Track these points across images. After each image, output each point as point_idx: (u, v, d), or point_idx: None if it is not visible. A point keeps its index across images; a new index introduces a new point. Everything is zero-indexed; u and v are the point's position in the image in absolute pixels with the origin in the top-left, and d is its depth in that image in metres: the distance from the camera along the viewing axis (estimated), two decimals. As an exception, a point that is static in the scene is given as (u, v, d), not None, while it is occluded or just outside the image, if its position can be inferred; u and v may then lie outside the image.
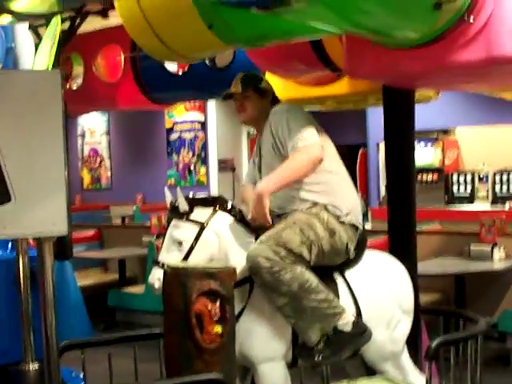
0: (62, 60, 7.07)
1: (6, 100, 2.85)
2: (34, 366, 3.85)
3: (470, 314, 4.25)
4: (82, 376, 4.07)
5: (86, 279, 8.54)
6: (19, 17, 2.90)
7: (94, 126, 14.45)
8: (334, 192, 3.82)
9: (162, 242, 3.68)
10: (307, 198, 3.80)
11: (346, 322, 3.65)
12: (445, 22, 3.54)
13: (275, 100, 4.10)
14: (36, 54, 3.67)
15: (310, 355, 3.63)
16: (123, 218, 12.54)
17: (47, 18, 3.32)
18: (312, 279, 3.61)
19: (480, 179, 10.94)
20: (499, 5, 3.61)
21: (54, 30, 3.31)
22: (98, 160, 14.63)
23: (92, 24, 6.93)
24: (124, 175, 14.07)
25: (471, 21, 3.55)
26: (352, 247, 3.83)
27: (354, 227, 3.86)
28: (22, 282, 3.89)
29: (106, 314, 8.26)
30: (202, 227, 3.62)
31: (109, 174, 14.48)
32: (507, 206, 9.89)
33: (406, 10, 3.31)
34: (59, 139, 2.92)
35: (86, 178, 14.81)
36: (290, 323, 3.66)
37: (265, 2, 2.80)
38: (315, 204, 3.78)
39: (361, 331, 3.68)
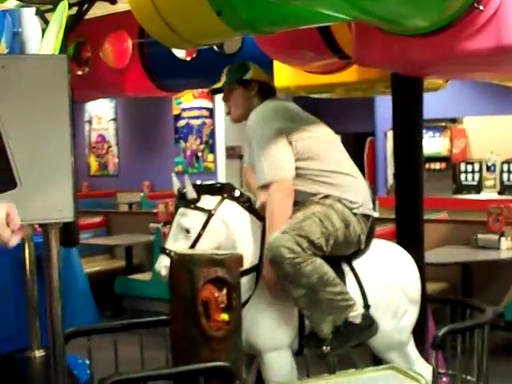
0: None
1: (12, 85, 2.84)
2: (40, 353, 3.86)
3: (476, 303, 4.24)
4: (87, 363, 4.08)
5: (93, 266, 8.56)
6: (25, 1, 2.87)
7: (101, 113, 14.43)
8: (344, 184, 3.81)
9: (169, 230, 3.67)
10: (319, 190, 3.78)
11: (357, 314, 3.65)
12: (455, 9, 3.51)
13: (269, 90, 4.01)
14: (43, 39, 3.66)
15: (318, 346, 3.62)
16: (130, 205, 12.57)
17: (54, 2, 3.29)
18: (330, 272, 3.61)
19: (488, 168, 10.91)
20: (509, -7, 3.59)
21: (61, 14, 3.30)
22: (106, 146, 14.61)
23: (100, 9, 6.91)
24: (131, 162, 14.05)
25: (481, 9, 3.52)
26: (364, 238, 3.83)
27: (367, 217, 3.85)
28: (27, 268, 3.89)
29: (113, 301, 8.27)
30: (210, 215, 3.61)
31: (116, 160, 14.46)
32: (515, 196, 9.89)
33: (415, -2, 3.29)
34: (66, 125, 2.90)
35: (93, 164, 14.80)
36: (303, 314, 3.66)
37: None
38: (328, 196, 3.77)
39: (369, 324, 3.68)
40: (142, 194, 12.48)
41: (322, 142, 3.87)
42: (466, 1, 3.48)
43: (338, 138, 4.08)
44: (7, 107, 2.82)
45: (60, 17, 3.25)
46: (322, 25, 4.25)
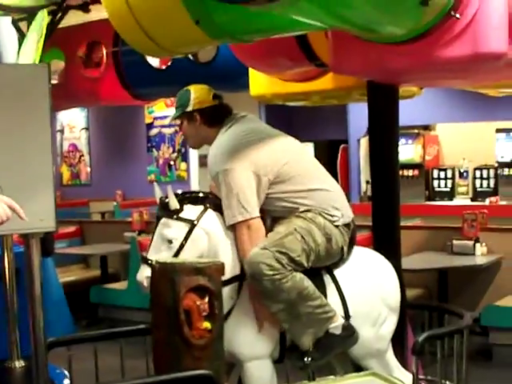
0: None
1: (-7, 95, 2.83)
2: (20, 364, 3.83)
3: (455, 309, 4.28)
4: (66, 373, 4.05)
5: (68, 276, 8.51)
6: (3, 9, 2.86)
7: (73, 121, 14.35)
8: (321, 200, 3.78)
9: (151, 240, 3.66)
10: (299, 206, 3.77)
11: (337, 325, 3.66)
12: (431, 17, 3.53)
13: (216, 115, 3.91)
14: (21, 48, 3.64)
15: (299, 358, 3.63)
16: (103, 214, 12.51)
17: (32, 12, 3.28)
18: (310, 286, 3.61)
19: (460, 175, 11.01)
20: (485, 1, 3.62)
21: (41, 23, 3.29)
22: (78, 155, 14.53)
23: (74, 18, 6.89)
24: (103, 171, 13.99)
25: (457, 16, 3.55)
26: (346, 249, 3.84)
27: (348, 226, 3.86)
28: (7, 278, 3.86)
29: (88, 311, 8.22)
30: (193, 225, 3.60)
31: (88, 169, 14.40)
32: (487, 202, 9.95)
33: (392, 6, 3.30)
34: (47, 134, 2.91)
35: (66, 173, 14.71)
36: (283, 328, 3.66)
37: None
38: (309, 210, 3.75)
39: (350, 334, 3.70)
40: (114, 203, 12.44)
41: (292, 165, 3.80)
42: (442, 9, 3.51)
43: (306, 151, 4.08)
44: (-12, 116, 2.81)
45: (39, 26, 3.24)
46: (299, 33, 4.25)
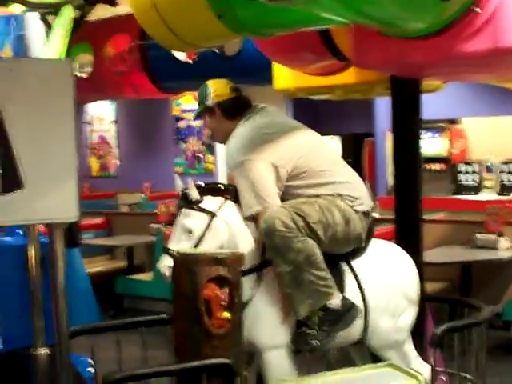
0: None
1: (19, 88, 2.90)
2: (44, 351, 3.89)
3: (473, 302, 4.29)
4: (89, 361, 4.12)
5: (94, 266, 8.60)
6: (31, 6, 2.94)
7: (102, 114, 14.45)
8: (340, 187, 3.84)
9: (172, 231, 3.72)
10: (318, 193, 3.81)
11: (336, 302, 3.69)
12: (452, 12, 3.56)
13: (234, 108, 3.96)
14: (47, 43, 3.71)
15: (306, 342, 3.67)
16: (130, 206, 12.60)
17: (58, 7, 3.35)
18: (319, 255, 3.65)
19: (487, 169, 10.96)
20: (506, -4, 3.64)
21: (66, 19, 3.36)
22: (106, 147, 14.64)
23: (101, 12, 6.97)
24: (131, 163, 14.09)
25: (478, 11, 3.57)
26: (364, 235, 3.88)
27: (366, 214, 3.89)
28: (33, 267, 3.93)
29: (114, 301, 8.32)
30: (213, 216, 3.66)
31: (116, 161, 14.50)
32: (514, 196, 9.94)
33: (413, 1, 3.34)
34: (70, 127, 2.96)
35: (94, 165, 14.83)
36: (285, 292, 3.70)
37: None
38: (330, 194, 3.81)
39: (348, 308, 3.72)
40: (142, 195, 12.52)
41: (310, 157, 3.86)
42: (463, 3, 3.53)
43: (325, 143, 4.10)
44: (14, 109, 2.87)
45: (64, 22, 3.31)
46: (320, 28, 4.29)
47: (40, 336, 3.92)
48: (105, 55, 7.12)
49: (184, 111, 13.32)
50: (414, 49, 3.83)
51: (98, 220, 9.52)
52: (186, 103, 13.15)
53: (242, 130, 3.87)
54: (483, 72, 4.58)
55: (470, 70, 4.31)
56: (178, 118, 13.45)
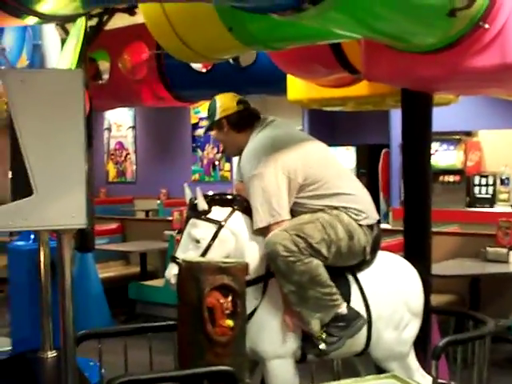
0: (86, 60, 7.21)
1: (30, 99, 2.98)
2: (51, 354, 3.98)
3: (478, 316, 4.32)
4: (98, 365, 4.19)
5: (108, 271, 8.68)
6: (46, 19, 3.01)
7: (120, 120, 14.58)
8: (346, 200, 3.88)
9: (180, 239, 3.78)
10: (325, 204, 3.86)
11: (343, 310, 3.75)
12: (461, 27, 3.60)
13: (243, 120, 3.99)
14: (61, 53, 3.79)
15: (315, 346, 3.72)
16: (147, 212, 12.70)
17: (73, 19, 3.43)
18: (323, 274, 3.70)
19: (502, 182, 10.94)
20: (514, 12, 3.68)
21: (79, 30, 3.43)
22: (124, 153, 14.76)
23: (120, 21, 7.06)
24: (149, 169, 14.20)
25: (487, 27, 3.61)
26: (369, 249, 3.91)
27: (371, 227, 3.94)
28: (42, 272, 4.02)
29: (127, 306, 8.39)
30: (220, 226, 3.71)
31: (134, 167, 14.62)
32: (528, 210, 9.94)
33: (421, 17, 3.39)
34: (80, 136, 3.04)
35: (112, 171, 14.95)
36: (294, 310, 3.74)
37: (278, 7, 2.88)
38: (335, 207, 3.86)
39: (354, 316, 3.77)
40: (158, 202, 12.62)
41: (318, 169, 3.90)
42: (471, 19, 3.57)
43: (333, 155, 4.13)
44: (25, 119, 2.96)
45: (77, 32, 3.39)
46: (330, 41, 4.35)
47: (48, 339, 4.02)
48: (121, 63, 7.20)
49: (202, 119, 13.42)
50: (423, 63, 3.87)
51: (113, 225, 9.61)
52: (204, 111, 13.21)
53: (255, 142, 3.92)
54: (492, 86, 4.60)
55: (479, 84, 4.34)
56: (196, 126, 13.55)
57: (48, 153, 3.00)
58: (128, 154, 14.71)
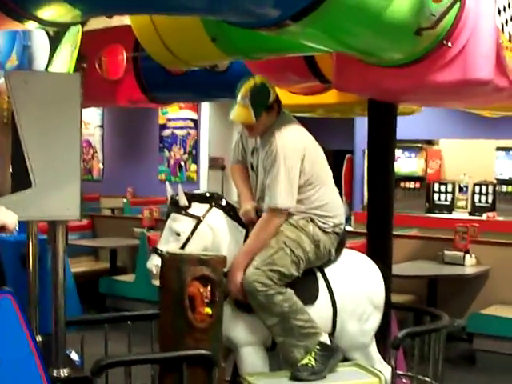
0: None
1: (32, 98, 3.23)
2: (37, 339, 4.19)
3: (434, 311, 4.63)
4: (73, 354, 4.40)
5: (79, 266, 8.83)
6: (45, 24, 3.22)
7: (88, 118, 14.61)
8: (321, 204, 4.11)
9: (162, 233, 4.03)
10: (300, 209, 4.08)
11: (324, 338, 4.02)
12: (426, 45, 3.86)
13: (280, 103, 4.14)
14: (54, 56, 4.00)
15: (299, 371, 3.95)
16: (113, 210, 12.78)
17: (64, 27, 3.62)
18: (298, 301, 3.97)
19: (460, 189, 11.28)
20: (475, 32, 3.95)
21: (74, 36, 3.65)
22: (91, 152, 14.83)
23: (95, 23, 7.22)
24: (115, 168, 14.30)
25: (449, 45, 3.90)
26: (333, 251, 4.19)
27: (336, 233, 4.20)
28: (31, 262, 4.23)
29: (97, 301, 8.55)
30: (199, 221, 3.97)
31: (100, 166, 14.70)
32: (485, 217, 10.28)
33: (390, 35, 3.64)
34: (76, 134, 3.29)
35: (78, 168, 14.97)
36: (277, 342, 4.00)
37: (263, 24, 3.14)
38: (303, 217, 4.08)
39: (335, 347, 4.06)
40: (124, 200, 12.73)
41: (322, 165, 4.18)
42: (436, 38, 3.85)
43: (323, 155, 4.28)
44: (27, 117, 3.20)
45: (73, 38, 3.61)
46: (306, 54, 4.60)
47: (34, 325, 4.24)
48: (98, 64, 7.37)
49: (169, 120, 13.58)
50: (390, 76, 4.11)
51: (83, 222, 9.72)
52: (173, 112, 13.41)
53: (289, 126, 4.08)
54: (453, 100, 4.87)
55: (441, 97, 4.60)
56: (164, 127, 13.70)
57: (46, 149, 3.24)
58: (95, 152, 14.79)
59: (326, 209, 4.13)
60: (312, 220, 4.09)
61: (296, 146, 4.01)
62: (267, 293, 3.87)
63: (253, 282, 3.87)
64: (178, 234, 3.94)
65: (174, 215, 3.99)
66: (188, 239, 3.93)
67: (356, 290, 4.21)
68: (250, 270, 3.91)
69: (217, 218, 4.03)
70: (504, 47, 4.04)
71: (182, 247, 3.92)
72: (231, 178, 4.48)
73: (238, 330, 3.99)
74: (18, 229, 4.91)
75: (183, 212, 3.97)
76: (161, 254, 3.84)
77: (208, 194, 4.16)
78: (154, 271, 3.87)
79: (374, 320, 4.27)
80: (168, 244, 3.94)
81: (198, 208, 4.00)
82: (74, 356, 4.44)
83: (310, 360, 3.94)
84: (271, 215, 3.99)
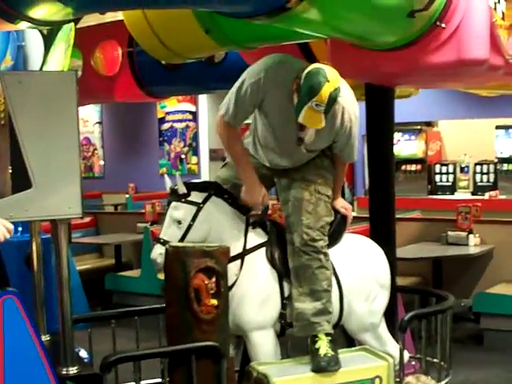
0: None
1: (28, 98, 3.23)
2: (45, 338, 4.21)
3: (440, 293, 4.64)
4: (82, 352, 4.43)
5: (83, 264, 8.83)
6: (38, 24, 3.23)
7: (86, 116, 14.62)
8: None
9: (163, 222, 4.04)
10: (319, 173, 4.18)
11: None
12: (419, 27, 3.88)
13: None
14: (48, 55, 4.01)
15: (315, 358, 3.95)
16: (116, 206, 12.80)
17: (56, 25, 3.62)
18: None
19: (461, 170, 11.29)
20: (468, 12, 3.97)
21: (68, 34, 3.66)
22: (91, 149, 14.83)
23: (90, 19, 7.22)
24: (116, 164, 14.31)
25: (443, 26, 3.90)
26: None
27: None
28: (35, 262, 4.24)
29: (103, 297, 8.57)
30: (199, 208, 3.98)
31: (101, 162, 14.70)
32: (487, 196, 10.29)
33: (383, 18, 3.66)
34: (74, 132, 3.30)
35: (79, 166, 14.97)
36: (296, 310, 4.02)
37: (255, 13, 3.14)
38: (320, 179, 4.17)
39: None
40: (127, 196, 12.75)
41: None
42: (429, 19, 3.86)
43: None
44: (23, 117, 3.21)
45: (67, 36, 3.62)
46: (300, 41, 4.61)
47: (42, 324, 4.25)
48: (94, 61, 7.38)
49: (168, 113, 13.59)
50: (385, 60, 4.14)
51: (86, 219, 9.70)
52: (171, 106, 13.41)
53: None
54: (449, 81, 4.89)
55: (437, 79, 4.62)
56: (162, 120, 13.71)
57: (45, 148, 3.25)
58: (95, 149, 14.79)
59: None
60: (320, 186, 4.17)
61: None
62: (319, 256, 3.97)
63: (308, 240, 3.95)
64: (180, 222, 3.95)
65: (174, 204, 4.00)
66: (189, 226, 3.94)
67: (361, 270, 4.22)
68: (303, 229, 3.98)
69: (216, 205, 4.05)
70: (497, 25, 4.05)
71: (184, 234, 3.93)
72: (226, 144, 4.19)
73: (246, 313, 3.97)
74: (20, 229, 4.95)
75: (183, 200, 3.99)
76: (163, 243, 3.85)
77: (207, 183, 4.18)
78: (159, 260, 3.86)
79: (382, 299, 4.28)
80: (170, 232, 3.93)
81: (197, 196, 4.02)
82: (83, 353, 4.48)
83: (327, 350, 3.92)
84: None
